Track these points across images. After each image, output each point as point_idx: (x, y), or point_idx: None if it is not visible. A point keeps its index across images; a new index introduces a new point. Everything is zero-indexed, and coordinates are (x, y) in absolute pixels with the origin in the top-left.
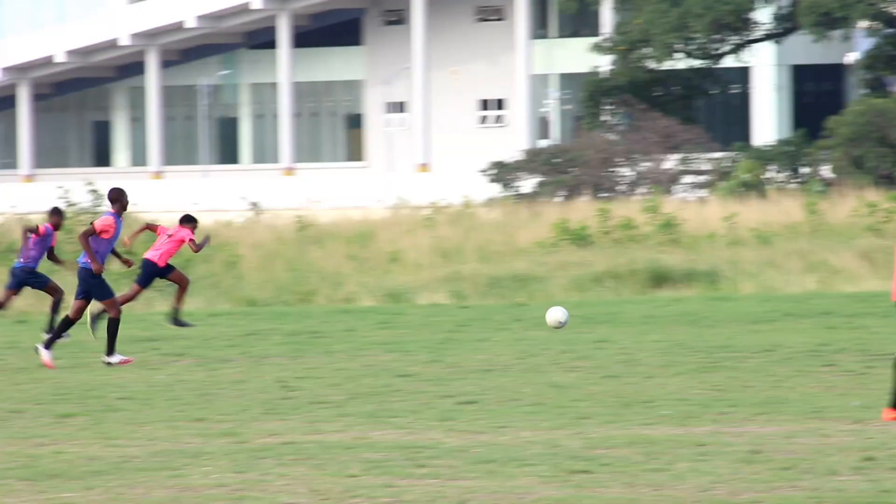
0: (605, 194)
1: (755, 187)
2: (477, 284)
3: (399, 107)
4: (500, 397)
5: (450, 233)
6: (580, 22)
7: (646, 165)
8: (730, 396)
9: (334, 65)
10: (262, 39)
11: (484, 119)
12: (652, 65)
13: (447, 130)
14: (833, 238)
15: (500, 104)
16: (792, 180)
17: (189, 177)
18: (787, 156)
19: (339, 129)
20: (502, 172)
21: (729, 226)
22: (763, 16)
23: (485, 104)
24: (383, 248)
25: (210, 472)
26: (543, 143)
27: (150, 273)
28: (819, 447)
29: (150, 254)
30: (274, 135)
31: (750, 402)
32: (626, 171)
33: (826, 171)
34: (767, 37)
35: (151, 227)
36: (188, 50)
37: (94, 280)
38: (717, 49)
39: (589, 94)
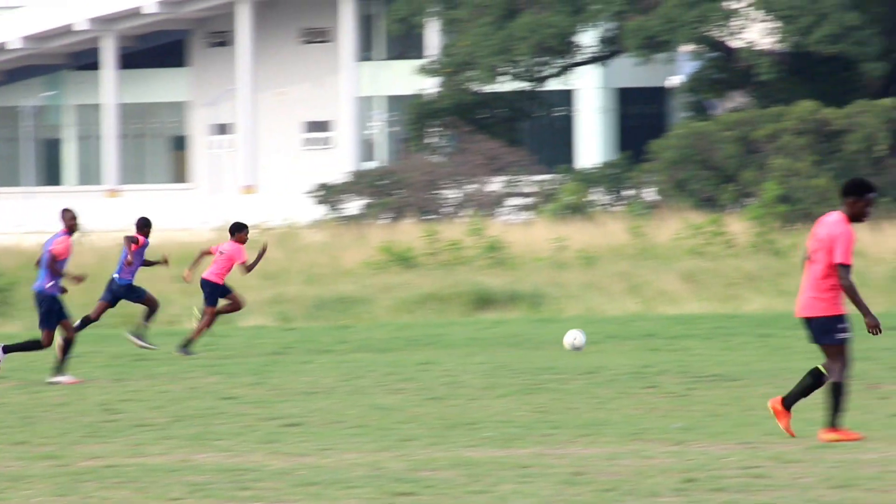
0: (431, 216)
1: (579, 210)
2: (302, 306)
3: (224, 128)
4: (325, 419)
5: (275, 254)
6: (406, 44)
7: (471, 187)
8: (553, 418)
9: (159, 86)
10: (86, 60)
11: (310, 141)
12: (477, 87)
13: (273, 152)
14: (656, 260)
15: (325, 126)
16: (616, 203)
17: (13, 199)
18: (611, 178)
19: (164, 150)
20: (328, 194)
21: (554, 248)
22: (587, 39)
23: (311, 126)
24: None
25: (31, 496)
26: (369, 165)
27: (212, 292)
28: (641, 469)
29: (207, 273)
30: (98, 156)
31: (573, 424)
32: (451, 193)
33: (650, 193)
34: (592, 60)
35: (206, 252)
36: (12, 71)
37: (47, 304)
38: (541, 72)
39: (414, 116)
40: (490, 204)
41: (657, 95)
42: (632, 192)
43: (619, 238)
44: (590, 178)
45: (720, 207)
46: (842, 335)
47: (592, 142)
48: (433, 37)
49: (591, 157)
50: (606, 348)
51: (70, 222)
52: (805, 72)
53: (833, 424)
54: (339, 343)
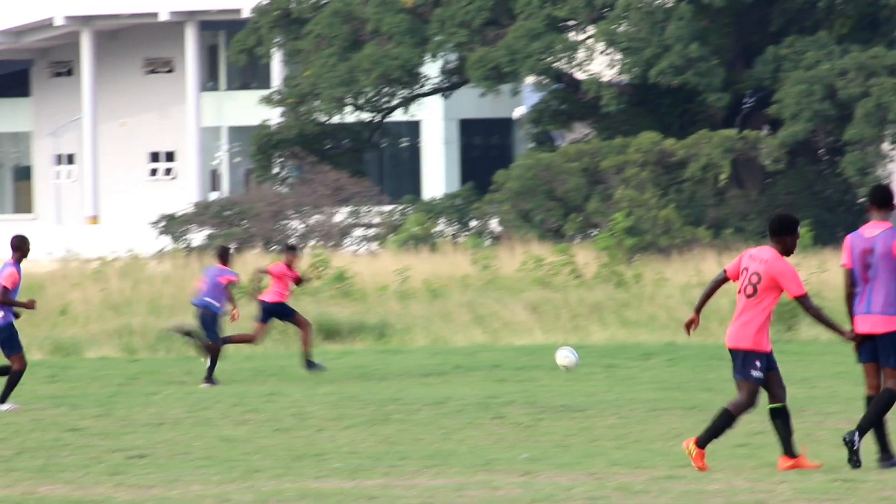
0: (276, 247)
1: (425, 240)
2: (147, 337)
3: (68, 159)
4: (171, 451)
5: (119, 285)
6: (250, 74)
7: (316, 218)
8: (400, 449)
9: (2, 116)
10: None
11: (154, 171)
12: (321, 118)
13: (117, 183)
14: (502, 291)
15: (170, 156)
16: (462, 234)
17: None
18: (455, 209)
19: (7, 181)
20: (172, 225)
21: (400, 279)
22: (432, 70)
23: (155, 156)
24: (52, 301)
25: None
26: (214, 196)
27: (271, 312)
28: (488, 499)
29: (266, 295)
30: None
31: (420, 455)
32: (296, 224)
33: (495, 224)
34: (436, 91)
35: (264, 271)
36: None
37: (6, 333)
38: (386, 103)
39: (259, 146)
40: (335, 235)
41: (501, 126)
42: (477, 222)
43: (464, 269)
44: (435, 209)
45: (565, 238)
46: (756, 374)
47: (437, 173)
48: (277, 67)
49: (437, 188)
50: (453, 379)
51: (27, 249)
52: (649, 103)
53: (702, 444)
54: (185, 374)
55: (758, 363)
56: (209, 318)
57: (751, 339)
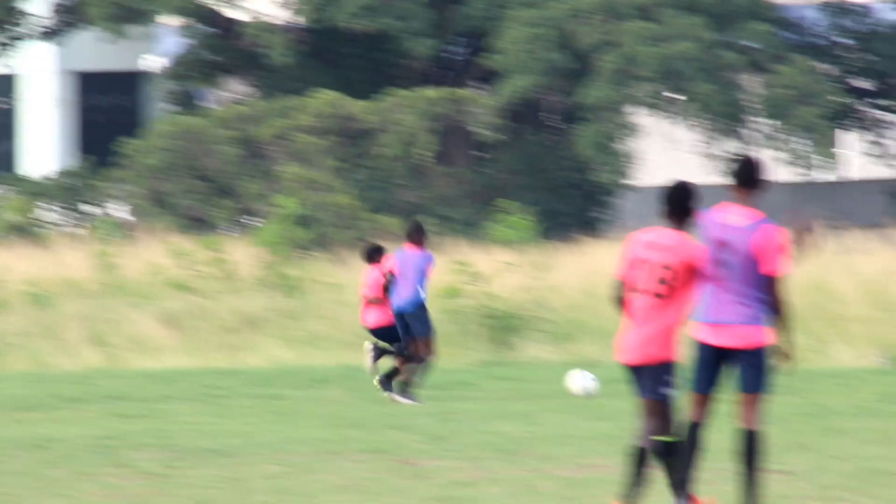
0: None
1: (25, 231)
2: None
3: None
4: None
5: None
6: None
7: None
8: None
9: None
10: None
11: None
12: None
13: None
14: (129, 298)
15: None
16: (76, 223)
17: None
18: (69, 191)
19: None
20: None
21: None
22: (37, 7)
23: None
24: None
25: None
26: None
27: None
28: None
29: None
30: None
31: None
32: None
33: (122, 210)
34: (45, 34)
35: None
36: None
37: None
38: None
39: None
40: None
41: (132, 83)
42: (97, 208)
43: (78, 269)
44: (40, 191)
45: (214, 229)
46: (670, 390)
47: (44, 142)
48: None
49: (43, 163)
50: (60, 415)
51: None
52: (328, 53)
53: (681, 494)
54: None
55: (671, 377)
56: (417, 314)
57: (664, 348)
